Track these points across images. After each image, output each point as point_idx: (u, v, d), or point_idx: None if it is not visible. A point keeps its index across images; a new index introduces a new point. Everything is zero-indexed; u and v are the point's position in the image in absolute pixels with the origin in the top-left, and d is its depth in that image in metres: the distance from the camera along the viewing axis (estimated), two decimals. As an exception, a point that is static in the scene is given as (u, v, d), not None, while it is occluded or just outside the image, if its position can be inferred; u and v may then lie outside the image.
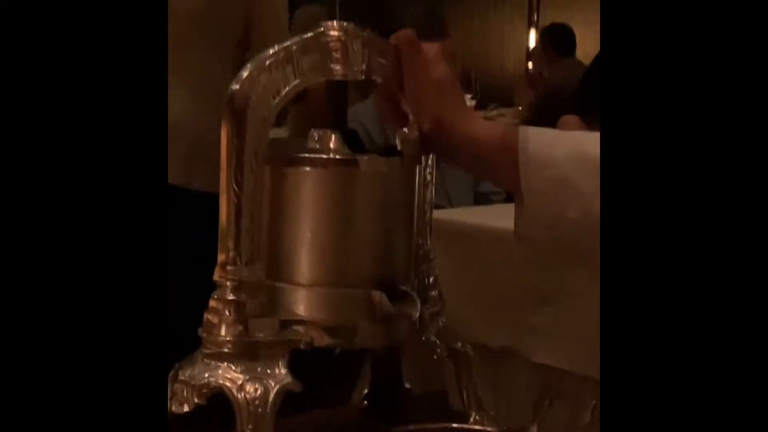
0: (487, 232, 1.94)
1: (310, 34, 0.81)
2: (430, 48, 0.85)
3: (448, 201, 2.13)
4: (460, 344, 0.93)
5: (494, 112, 4.33)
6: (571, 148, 0.80)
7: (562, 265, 1.66)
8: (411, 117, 0.86)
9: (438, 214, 1.45)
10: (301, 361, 0.81)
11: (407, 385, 0.97)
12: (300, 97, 0.84)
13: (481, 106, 3.52)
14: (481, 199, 2.29)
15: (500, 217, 1.89)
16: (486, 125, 0.87)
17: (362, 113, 1.76)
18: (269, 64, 0.79)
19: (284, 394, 0.78)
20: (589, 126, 1.92)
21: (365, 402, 0.96)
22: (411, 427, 0.86)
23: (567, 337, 1.65)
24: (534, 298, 1.81)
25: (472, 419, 0.91)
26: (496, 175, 0.87)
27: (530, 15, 7.15)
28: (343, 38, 0.81)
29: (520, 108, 4.51)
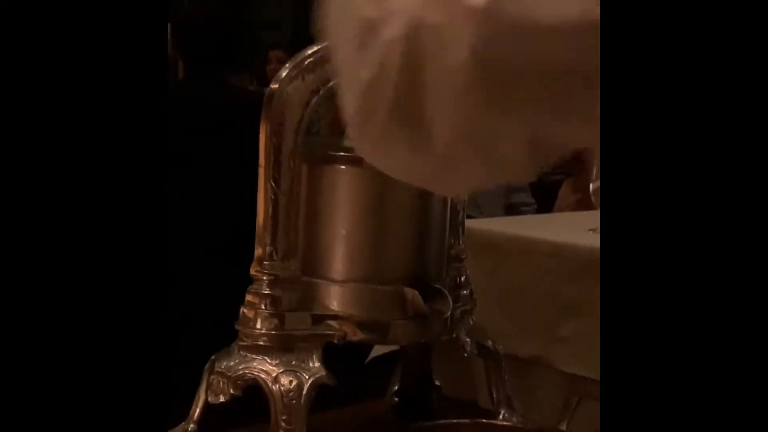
0: (518, 242, 1.94)
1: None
2: None
3: (479, 212, 2.14)
4: (490, 342, 0.94)
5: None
6: None
7: (591, 274, 1.66)
8: None
9: (469, 223, 1.46)
10: (334, 357, 0.83)
11: (437, 383, 0.98)
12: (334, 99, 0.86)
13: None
14: (511, 211, 2.30)
15: (531, 227, 1.90)
16: None
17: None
18: (307, 64, 0.81)
19: (318, 388, 0.80)
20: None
21: (396, 398, 0.98)
22: (440, 422, 0.87)
23: (597, 346, 1.65)
24: (564, 308, 1.81)
25: (501, 416, 0.92)
26: None
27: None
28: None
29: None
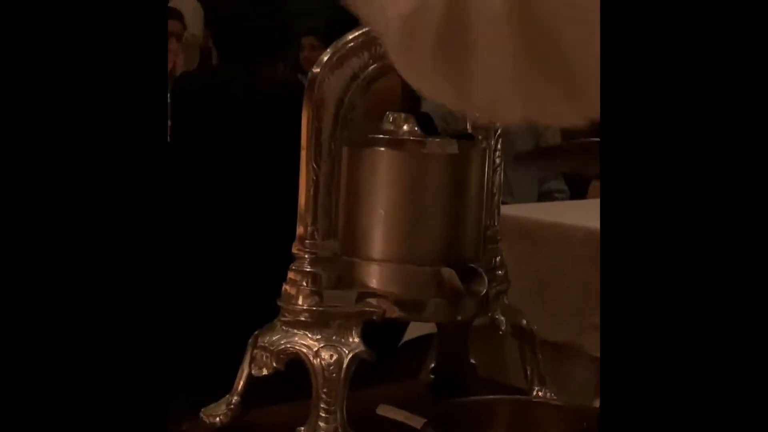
0: (552, 229, 1.96)
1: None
2: None
3: (512, 198, 2.16)
4: (524, 322, 0.96)
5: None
6: None
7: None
8: None
9: (503, 209, 1.48)
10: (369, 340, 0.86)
11: (472, 361, 1.01)
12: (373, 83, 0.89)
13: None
14: (545, 197, 2.31)
15: (564, 213, 1.91)
16: None
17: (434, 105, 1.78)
18: (348, 50, 0.84)
19: (357, 363, 0.83)
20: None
21: (431, 377, 1.00)
22: (477, 398, 0.89)
23: None
24: (596, 295, 1.82)
25: (534, 393, 0.94)
26: None
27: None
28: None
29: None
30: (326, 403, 0.81)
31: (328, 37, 0.95)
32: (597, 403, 0.91)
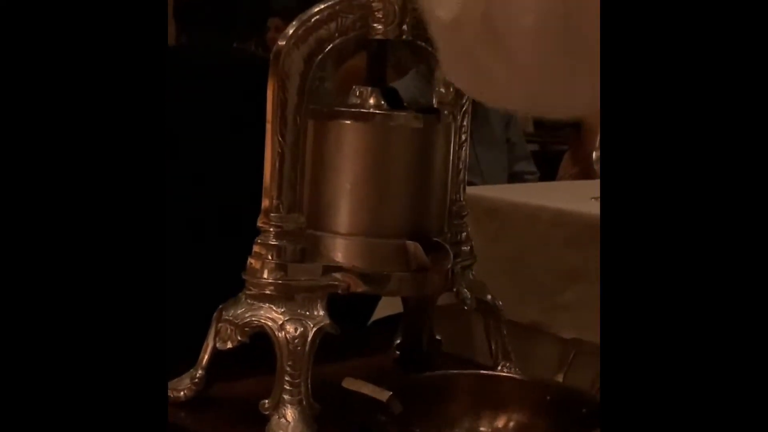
0: (521, 209, 1.97)
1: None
2: None
3: (482, 179, 2.16)
4: (489, 297, 0.97)
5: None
6: None
7: (593, 242, 1.69)
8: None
9: (472, 189, 1.49)
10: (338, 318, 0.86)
11: (438, 337, 1.02)
12: (341, 61, 0.89)
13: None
14: (514, 179, 2.32)
15: (534, 195, 1.92)
16: None
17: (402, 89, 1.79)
18: (313, 22, 0.83)
19: (322, 336, 0.83)
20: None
21: (398, 352, 1.01)
22: (442, 372, 0.90)
23: (597, 312, 1.69)
24: (565, 275, 1.84)
25: (499, 368, 0.95)
26: None
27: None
28: (384, -2, 0.85)
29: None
30: (290, 375, 0.81)
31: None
32: (560, 378, 0.92)
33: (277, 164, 0.84)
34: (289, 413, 0.81)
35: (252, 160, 0.87)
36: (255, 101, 0.87)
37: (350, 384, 0.83)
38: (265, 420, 0.81)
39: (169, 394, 0.88)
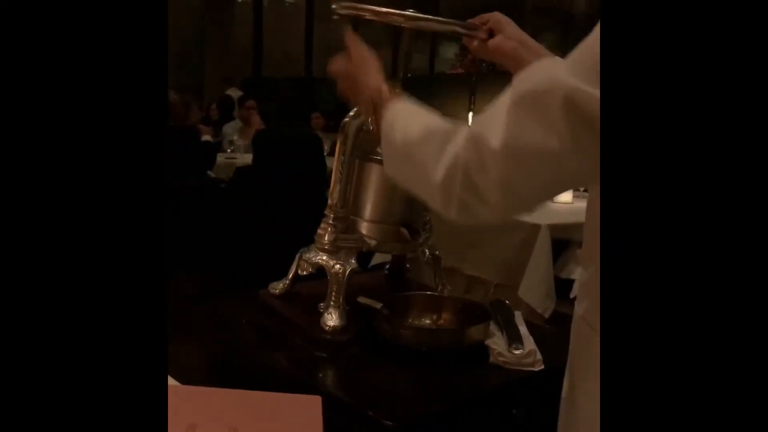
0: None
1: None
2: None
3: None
4: (437, 252, 1.75)
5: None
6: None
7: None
8: None
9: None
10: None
11: (408, 275, 1.84)
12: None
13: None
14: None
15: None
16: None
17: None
18: (355, 111, 1.58)
19: (352, 272, 1.61)
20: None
21: (386, 273, 1.83)
22: (408, 293, 1.68)
23: (490, 258, 2.67)
24: (468, 242, 2.85)
25: (440, 291, 1.75)
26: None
27: None
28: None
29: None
30: (335, 291, 1.57)
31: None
32: (466, 296, 1.71)
33: (337, 182, 1.60)
34: (333, 312, 1.56)
35: (319, 182, 1.64)
36: (314, 153, 1.66)
37: (362, 300, 1.61)
38: (321, 313, 1.59)
39: (269, 290, 1.65)
